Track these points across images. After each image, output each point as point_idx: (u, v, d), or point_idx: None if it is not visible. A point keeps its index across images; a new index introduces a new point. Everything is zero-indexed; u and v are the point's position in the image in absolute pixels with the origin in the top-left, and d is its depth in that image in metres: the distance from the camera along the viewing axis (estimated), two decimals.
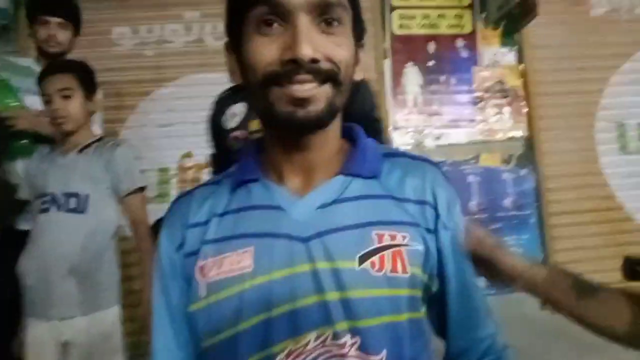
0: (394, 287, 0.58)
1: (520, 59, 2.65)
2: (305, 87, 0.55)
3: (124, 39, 2.41)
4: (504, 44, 2.65)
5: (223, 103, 1.34)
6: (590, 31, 2.71)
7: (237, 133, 1.27)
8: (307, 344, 0.56)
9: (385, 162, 0.67)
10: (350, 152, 0.66)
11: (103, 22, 2.40)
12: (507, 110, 2.61)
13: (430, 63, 2.60)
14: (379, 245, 0.59)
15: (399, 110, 2.55)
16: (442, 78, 2.59)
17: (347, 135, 0.69)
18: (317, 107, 0.56)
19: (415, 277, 0.60)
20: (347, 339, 0.56)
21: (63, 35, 1.84)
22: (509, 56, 2.66)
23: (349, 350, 0.56)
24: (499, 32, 2.63)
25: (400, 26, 2.60)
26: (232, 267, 0.59)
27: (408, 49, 2.59)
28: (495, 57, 2.65)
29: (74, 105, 1.46)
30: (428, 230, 0.62)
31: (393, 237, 0.60)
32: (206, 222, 0.64)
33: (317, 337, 0.56)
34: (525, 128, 2.61)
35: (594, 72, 2.68)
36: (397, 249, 0.59)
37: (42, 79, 1.46)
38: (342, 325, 0.56)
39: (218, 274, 0.59)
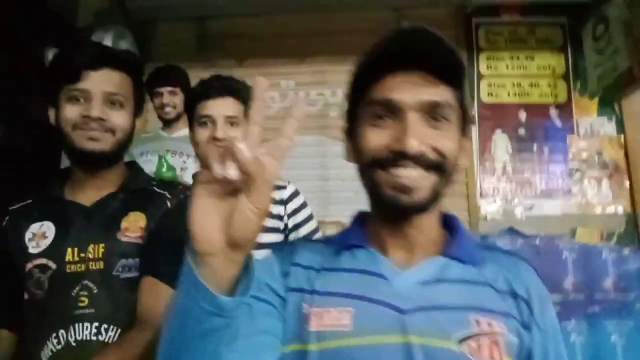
0: None
1: (621, 130, 2.51)
2: (410, 174, 0.62)
3: None
4: (602, 113, 2.54)
5: (26, 216, 1.04)
6: None
7: (43, 261, 0.98)
8: None
9: (483, 252, 0.71)
10: (450, 237, 0.71)
11: None
12: (606, 183, 2.46)
13: (521, 131, 2.55)
14: (478, 331, 0.60)
15: (487, 178, 2.51)
16: (534, 147, 2.52)
17: (444, 222, 0.74)
18: (420, 194, 0.63)
19: None
20: None
21: (176, 99, 2.11)
22: (608, 126, 2.53)
23: None
24: (596, 101, 2.54)
25: (489, 94, 2.60)
26: (331, 322, 0.62)
27: (497, 116, 2.57)
28: (593, 126, 2.54)
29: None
30: (523, 325, 0.63)
31: (491, 325, 0.61)
32: (306, 268, 0.69)
33: None
34: (628, 204, 2.43)
35: None
36: (495, 337, 0.60)
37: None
38: None
39: (318, 326, 0.63)
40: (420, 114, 0.63)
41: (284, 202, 1.41)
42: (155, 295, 0.95)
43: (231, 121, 1.32)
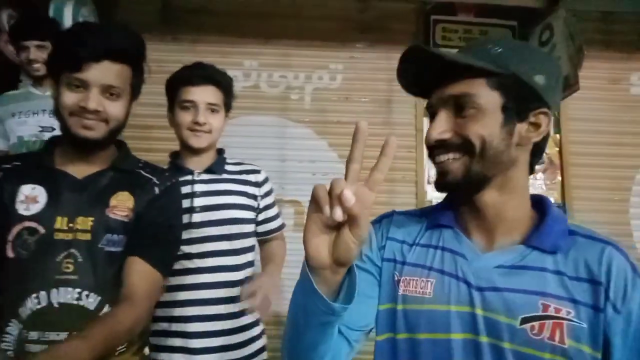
0: (547, 351, 0.67)
1: (557, 130, 2.74)
2: (442, 159, 0.74)
3: None
4: None
5: (18, 176, 1.07)
6: (628, 109, 2.78)
7: (33, 225, 1.02)
8: None
9: (568, 239, 0.73)
10: (537, 224, 0.75)
11: (173, 64, 2.66)
12: (540, 176, 2.68)
13: None
14: (542, 314, 0.68)
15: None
16: None
17: (537, 205, 0.78)
18: (453, 176, 0.73)
19: (575, 350, 0.66)
20: None
21: (45, 55, 1.83)
22: None
23: None
24: None
25: None
26: (416, 289, 0.77)
27: None
28: None
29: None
30: (595, 309, 0.67)
31: (558, 310, 0.68)
32: (400, 242, 0.82)
33: None
34: (559, 195, 2.67)
35: (629, 148, 2.74)
36: (559, 321, 0.67)
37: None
38: None
39: (404, 291, 0.77)
40: (448, 108, 0.74)
41: (259, 185, 1.52)
42: (143, 276, 1.04)
43: (212, 108, 1.42)
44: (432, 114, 0.76)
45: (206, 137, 1.43)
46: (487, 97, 0.71)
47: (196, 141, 1.43)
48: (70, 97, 1.02)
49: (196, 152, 1.46)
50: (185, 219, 1.34)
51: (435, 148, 0.74)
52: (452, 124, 0.73)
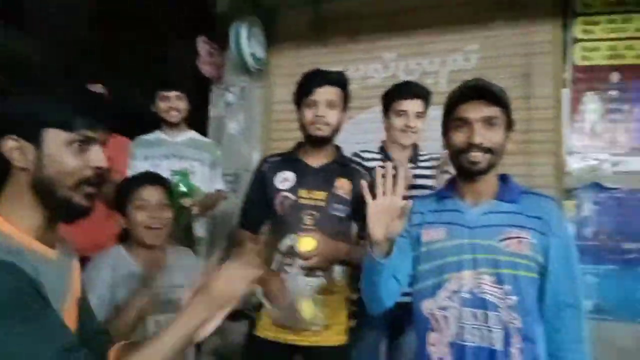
0: (516, 257, 1.18)
1: None
2: (476, 155, 1.19)
3: None
4: None
5: (276, 166, 1.68)
6: None
7: (287, 194, 1.61)
8: (464, 276, 1.19)
9: (523, 195, 1.25)
10: (502, 187, 1.27)
11: (322, 65, 3.10)
12: None
13: (613, 92, 2.66)
14: (510, 236, 1.19)
15: (576, 136, 2.69)
16: (625, 107, 2.63)
17: (501, 178, 1.29)
18: (482, 166, 1.20)
19: (530, 255, 1.17)
20: (486, 276, 1.18)
21: (181, 104, 2.29)
22: None
23: (486, 281, 1.17)
24: None
25: (583, 57, 2.74)
26: (434, 235, 1.26)
27: (589, 78, 2.71)
28: None
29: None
30: (542, 234, 1.19)
31: (519, 234, 1.19)
32: (420, 213, 1.32)
33: (470, 274, 1.19)
34: None
35: None
36: (520, 239, 1.18)
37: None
38: (484, 271, 1.18)
39: (427, 239, 1.27)
40: (481, 123, 1.19)
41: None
42: None
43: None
44: (463, 121, 1.20)
45: (411, 136, 1.97)
46: (502, 119, 1.21)
47: (405, 140, 1.97)
48: (305, 112, 1.61)
49: (404, 147, 1.99)
50: None
51: (471, 148, 1.17)
52: (483, 133, 1.17)
